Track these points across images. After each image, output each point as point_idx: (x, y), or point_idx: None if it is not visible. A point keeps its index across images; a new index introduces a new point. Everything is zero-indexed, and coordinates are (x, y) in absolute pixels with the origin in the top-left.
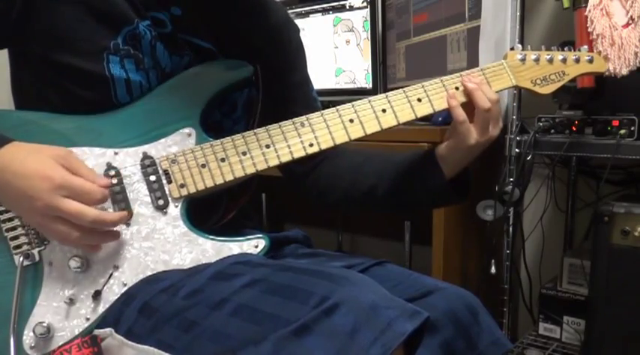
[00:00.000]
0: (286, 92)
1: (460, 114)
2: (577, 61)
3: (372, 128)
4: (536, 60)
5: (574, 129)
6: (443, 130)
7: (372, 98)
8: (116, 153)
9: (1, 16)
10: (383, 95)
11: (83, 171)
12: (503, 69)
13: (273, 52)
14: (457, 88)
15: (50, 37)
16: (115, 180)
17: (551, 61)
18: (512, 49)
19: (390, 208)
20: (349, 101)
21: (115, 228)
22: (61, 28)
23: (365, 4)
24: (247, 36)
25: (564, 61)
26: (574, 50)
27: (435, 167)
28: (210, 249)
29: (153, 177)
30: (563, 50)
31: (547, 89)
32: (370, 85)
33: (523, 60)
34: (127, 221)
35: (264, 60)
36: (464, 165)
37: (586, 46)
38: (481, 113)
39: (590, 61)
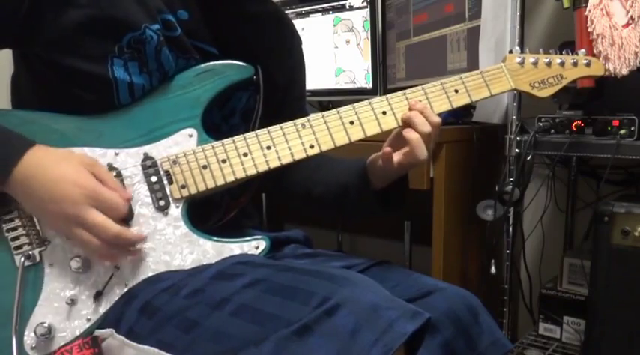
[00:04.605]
0: (285, 105)
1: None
2: (575, 64)
3: (372, 130)
4: (535, 63)
5: (574, 129)
6: (443, 130)
7: (373, 100)
8: (117, 154)
9: (11, 15)
10: (383, 97)
11: (110, 182)
12: (502, 72)
13: (277, 64)
14: (457, 91)
15: (55, 40)
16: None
17: (549, 64)
18: (510, 52)
19: (340, 212)
20: (349, 101)
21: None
22: (67, 31)
23: (365, 4)
24: (254, 46)
25: (562, 64)
26: (573, 52)
27: (364, 179)
28: (210, 250)
29: (154, 178)
30: (561, 52)
31: (545, 92)
32: (370, 85)
33: (522, 63)
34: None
35: (268, 71)
36: (395, 178)
37: (584, 50)
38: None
39: (588, 64)
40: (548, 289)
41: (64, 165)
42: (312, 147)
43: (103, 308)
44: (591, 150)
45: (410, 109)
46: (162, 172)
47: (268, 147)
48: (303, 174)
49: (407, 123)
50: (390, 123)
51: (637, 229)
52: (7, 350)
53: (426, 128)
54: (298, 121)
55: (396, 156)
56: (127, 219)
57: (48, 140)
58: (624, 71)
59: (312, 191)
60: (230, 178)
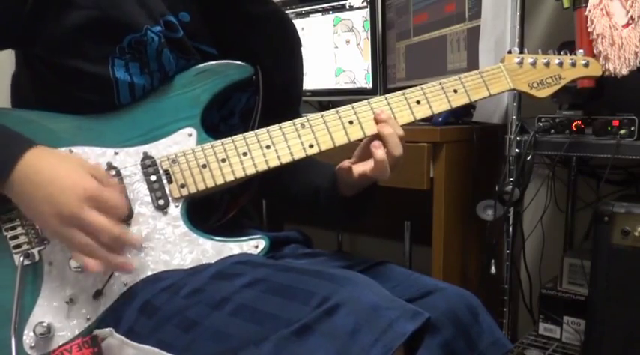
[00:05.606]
0: (284, 105)
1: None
2: (573, 64)
3: (371, 130)
4: (533, 63)
5: (574, 129)
6: (443, 130)
7: (372, 100)
8: (116, 153)
9: (14, 15)
10: (382, 97)
11: (111, 184)
12: (501, 72)
13: (278, 65)
14: (456, 91)
15: (55, 41)
16: (115, 180)
17: (547, 64)
18: (509, 52)
19: (313, 214)
20: (349, 101)
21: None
22: (67, 32)
23: (365, 4)
24: (255, 46)
25: (560, 64)
26: (572, 52)
27: (334, 185)
28: (210, 249)
29: (153, 177)
30: (560, 52)
31: (543, 92)
32: (370, 85)
33: (520, 63)
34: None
35: (268, 71)
36: (362, 188)
37: (582, 51)
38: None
39: (586, 65)
40: (548, 289)
41: (63, 166)
42: (311, 146)
43: (103, 308)
44: (591, 150)
45: (375, 119)
46: (161, 171)
47: (268, 147)
48: (286, 173)
49: (379, 137)
50: None
51: (637, 229)
52: (6, 349)
53: (398, 151)
54: (297, 121)
55: (360, 167)
56: (126, 218)
57: (48, 139)
58: (624, 71)
59: (289, 190)
60: (229, 177)
